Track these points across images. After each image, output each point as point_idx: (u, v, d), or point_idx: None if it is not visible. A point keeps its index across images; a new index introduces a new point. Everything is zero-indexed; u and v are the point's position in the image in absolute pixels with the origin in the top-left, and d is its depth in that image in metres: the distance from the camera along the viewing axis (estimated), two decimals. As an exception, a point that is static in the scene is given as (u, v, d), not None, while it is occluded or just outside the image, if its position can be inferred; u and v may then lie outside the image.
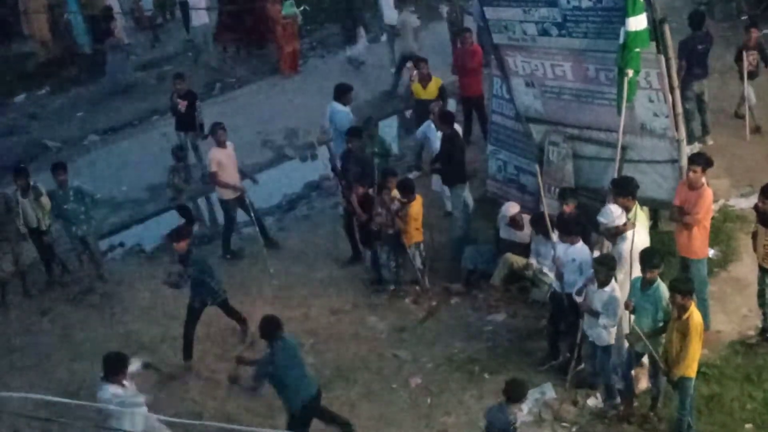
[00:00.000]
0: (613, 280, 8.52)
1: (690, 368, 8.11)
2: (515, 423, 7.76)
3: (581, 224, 9.54)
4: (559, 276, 9.38)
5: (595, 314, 8.56)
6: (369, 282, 11.66)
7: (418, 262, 11.23)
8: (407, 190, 11.02)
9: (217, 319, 10.80)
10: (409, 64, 15.29)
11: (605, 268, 8.48)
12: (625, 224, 8.83)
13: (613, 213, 8.90)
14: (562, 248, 9.36)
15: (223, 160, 12.25)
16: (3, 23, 20.88)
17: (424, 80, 14.01)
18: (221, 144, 12.27)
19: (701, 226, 9.25)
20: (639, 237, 8.80)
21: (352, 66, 18.20)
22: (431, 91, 13.83)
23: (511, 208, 11.05)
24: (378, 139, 12.65)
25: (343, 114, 13.05)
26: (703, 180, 9.33)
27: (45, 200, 12.02)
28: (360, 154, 11.86)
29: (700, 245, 9.35)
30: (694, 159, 9.41)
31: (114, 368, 8.35)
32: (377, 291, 11.48)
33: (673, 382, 8.20)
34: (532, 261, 10.68)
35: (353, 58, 18.40)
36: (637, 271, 8.50)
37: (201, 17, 19.14)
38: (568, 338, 9.46)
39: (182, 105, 14.20)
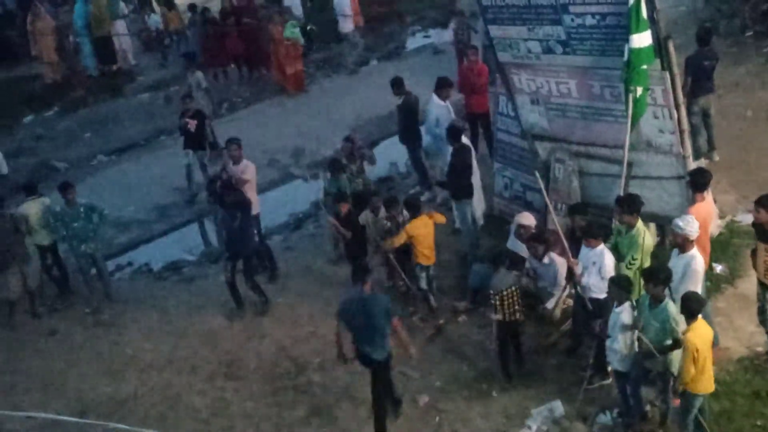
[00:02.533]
0: (627, 303, 8.46)
1: (692, 385, 8.09)
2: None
3: (604, 227, 9.54)
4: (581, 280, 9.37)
5: (607, 337, 8.57)
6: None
7: (422, 284, 11.22)
8: (413, 208, 11.03)
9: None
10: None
11: (616, 287, 8.47)
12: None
13: (692, 223, 8.70)
14: (583, 251, 9.37)
15: (254, 172, 12.30)
16: (11, 45, 21.03)
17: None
18: (236, 160, 12.23)
19: (698, 242, 9.25)
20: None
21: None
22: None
23: (524, 218, 10.98)
24: (343, 181, 12.42)
25: (443, 109, 13.07)
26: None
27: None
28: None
29: None
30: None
31: None
32: None
33: (676, 392, 8.21)
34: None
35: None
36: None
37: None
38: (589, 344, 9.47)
39: (191, 124, 14.39)
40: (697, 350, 7.88)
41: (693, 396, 8.17)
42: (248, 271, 11.58)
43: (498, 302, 9.59)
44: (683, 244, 8.67)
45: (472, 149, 12.40)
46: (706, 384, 8.17)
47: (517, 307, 9.64)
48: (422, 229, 10.99)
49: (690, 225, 8.62)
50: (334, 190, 12.10)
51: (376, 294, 9.28)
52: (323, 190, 12.50)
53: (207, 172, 14.60)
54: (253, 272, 11.69)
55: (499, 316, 9.64)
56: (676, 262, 8.69)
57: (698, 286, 8.75)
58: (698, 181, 9.39)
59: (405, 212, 11.09)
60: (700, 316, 7.98)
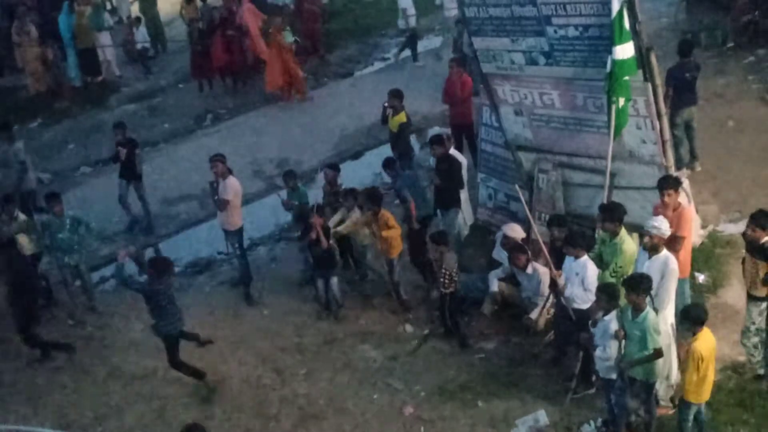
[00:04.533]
0: (615, 311, 8.45)
1: (690, 393, 8.14)
2: None
3: (587, 237, 9.59)
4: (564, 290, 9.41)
5: (594, 347, 8.61)
6: (319, 311, 11.73)
7: (396, 275, 11.42)
8: (375, 200, 11.24)
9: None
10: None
11: (605, 296, 8.48)
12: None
13: (665, 223, 8.80)
14: (567, 261, 9.41)
15: (238, 190, 12.16)
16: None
17: (394, 112, 13.91)
18: (220, 176, 12.01)
19: (685, 246, 9.33)
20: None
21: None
22: (393, 124, 13.82)
23: (510, 230, 11.02)
24: (300, 191, 12.54)
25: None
26: (679, 200, 9.44)
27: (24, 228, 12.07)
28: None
29: (683, 264, 9.40)
30: (663, 183, 9.42)
31: None
32: (327, 316, 11.64)
33: (673, 401, 8.21)
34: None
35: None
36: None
37: None
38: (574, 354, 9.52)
39: (122, 153, 13.96)
40: (702, 359, 7.93)
41: (689, 404, 8.22)
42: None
43: (448, 279, 10.35)
44: (658, 245, 8.73)
45: (464, 161, 12.44)
46: (704, 393, 8.21)
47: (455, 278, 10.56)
48: (392, 218, 11.33)
49: (664, 224, 8.74)
50: (296, 202, 12.24)
51: None
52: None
53: (146, 201, 14.43)
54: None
55: (448, 290, 10.46)
56: (650, 266, 8.73)
57: (675, 286, 8.86)
58: (668, 182, 9.45)
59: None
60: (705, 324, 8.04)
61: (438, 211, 12.03)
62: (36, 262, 12.39)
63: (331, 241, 11.42)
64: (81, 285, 12.48)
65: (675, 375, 8.92)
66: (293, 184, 12.45)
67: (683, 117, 13.06)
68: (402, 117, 13.65)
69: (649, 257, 8.80)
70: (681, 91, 12.91)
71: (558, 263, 9.50)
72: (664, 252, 8.78)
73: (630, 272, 8.91)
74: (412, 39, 20.43)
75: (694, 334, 7.98)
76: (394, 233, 11.32)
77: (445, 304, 10.67)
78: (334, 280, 11.56)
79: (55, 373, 11.22)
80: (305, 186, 13.46)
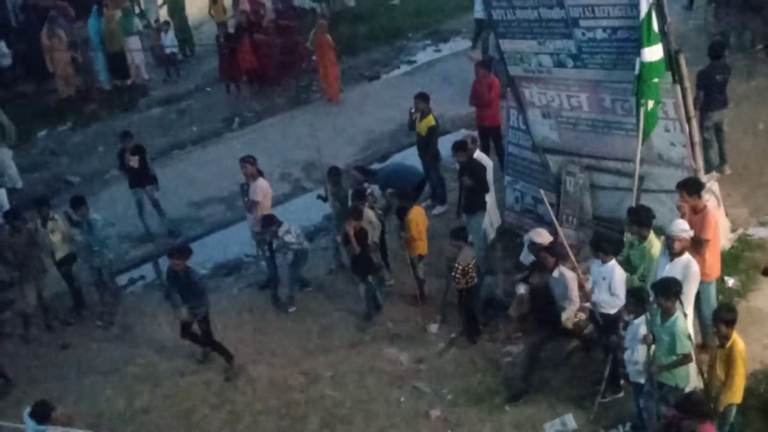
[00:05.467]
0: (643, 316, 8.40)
1: (735, 395, 8.06)
2: None
3: (615, 241, 9.55)
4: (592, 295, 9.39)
5: (623, 349, 8.56)
6: (364, 316, 11.68)
7: (420, 273, 11.42)
8: (407, 198, 11.48)
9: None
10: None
11: (634, 299, 8.45)
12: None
13: (687, 225, 8.81)
14: (594, 266, 9.38)
15: (268, 191, 12.26)
16: (29, 61, 21.20)
17: (421, 116, 13.86)
18: (250, 177, 12.16)
19: (711, 248, 9.24)
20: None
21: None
22: (421, 127, 13.79)
23: (537, 235, 10.94)
24: (344, 187, 12.53)
25: None
26: (704, 202, 9.37)
27: (59, 229, 12.22)
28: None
29: (710, 267, 9.33)
30: (680, 186, 9.37)
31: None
32: (368, 324, 11.59)
33: (719, 412, 8.10)
34: None
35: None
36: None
37: None
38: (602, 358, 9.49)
39: (134, 161, 13.91)
40: (743, 357, 7.89)
41: (733, 406, 8.15)
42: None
43: (459, 274, 10.51)
44: (683, 248, 8.68)
45: (490, 164, 12.42)
46: (740, 393, 8.13)
47: (473, 275, 10.67)
48: (420, 218, 11.36)
49: (687, 227, 8.73)
50: (338, 205, 12.26)
51: None
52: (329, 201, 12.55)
53: (160, 207, 14.41)
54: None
55: (461, 285, 10.61)
56: (671, 269, 8.66)
57: (696, 289, 8.83)
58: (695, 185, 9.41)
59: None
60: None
61: (463, 215, 12.00)
62: (70, 264, 12.54)
63: (371, 243, 11.45)
64: (106, 285, 12.61)
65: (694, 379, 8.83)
66: (336, 179, 12.41)
67: (713, 119, 12.93)
68: (431, 120, 13.60)
69: (671, 260, 8.74)
70: (711, 93, 12.78)
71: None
72: (686, 255, 8.72)
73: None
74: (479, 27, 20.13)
75: (728, 336, 7.88)
76: (418, 233, 11.34)
77: (462, 300, 10.72)
78: (370, 284, 11.52)
79: (83, 374, 11.35)
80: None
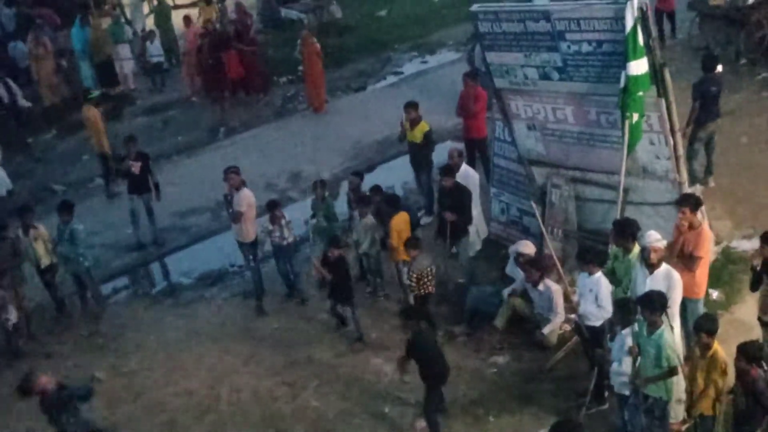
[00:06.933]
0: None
1: (710, 405, 8.10)
2: None
3: (600, 253, 9.57)
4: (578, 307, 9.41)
5: (609, 362, 8.58)
6: (336, 326, 11.64)
7: (404, 278, 11.35)
8: (393, 203, 11.62)
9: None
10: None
11: (621, 311, 8.47)
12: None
13: (657, 234, 8.84)
14: (581, 278, 9.40)
15: (252, 201, 12.23)
16: (11, 68, 21.08)
17: (413, 124, 13.88)
18: (234, 188, 12.09)
19: (702, 266, 9.28)
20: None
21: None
22: (416, 135, 13.80)
23: (523, 247, 10.96)
24: (328, 202, 12.51)
25: None
26: (699, 219, 9.39)
27: (42, 238, 12.16)
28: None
29: (698, 285, 9.37)
30: (682, 201, 9.42)
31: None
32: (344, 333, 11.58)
33: (694, 419, 8.18)
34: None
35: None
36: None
37: None
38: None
39: (135, 167, 13.89)
40: (726, 364, 7.92)
41: (708, 417, 8.18)
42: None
43: (414, 282, 10.67)
44: (660, 259, 8.70)
45: (476, 176, 12.42)
46: (719, 403, 8.16)
47: (429, 282, 10.79)
48: (403, 225, 11.35)
49: (660, 237, 8.76)
50: (324, 223, 12.27)
51: None
52: (312, 220, 12.56)
53: (153, 215, 14.33)
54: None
55: (415, 293, 10.79)
56: (652, 281, 8.66)
57: (681, 297, 8.85)
58: (695, 201, 9.43)
59: None
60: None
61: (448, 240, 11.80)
62: (54, 273, 12.47)
63: (350, 271, 11.45)
64: (91, 295, 12.54)
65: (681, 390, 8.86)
66: (321, 193, 12.41)
67: (707, 131, 13.04)
68: (425, 126, 13.55)
69: (650, 272, 8.76)
70: (706, 105, 12.90)
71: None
72: (664, 265, 8.74)
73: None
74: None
75: (709, 345, 7.91)
76: (399, 240, 11.30)
77: (418, 307, 10.61)
78: (350, 311, 11.38)
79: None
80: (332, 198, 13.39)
